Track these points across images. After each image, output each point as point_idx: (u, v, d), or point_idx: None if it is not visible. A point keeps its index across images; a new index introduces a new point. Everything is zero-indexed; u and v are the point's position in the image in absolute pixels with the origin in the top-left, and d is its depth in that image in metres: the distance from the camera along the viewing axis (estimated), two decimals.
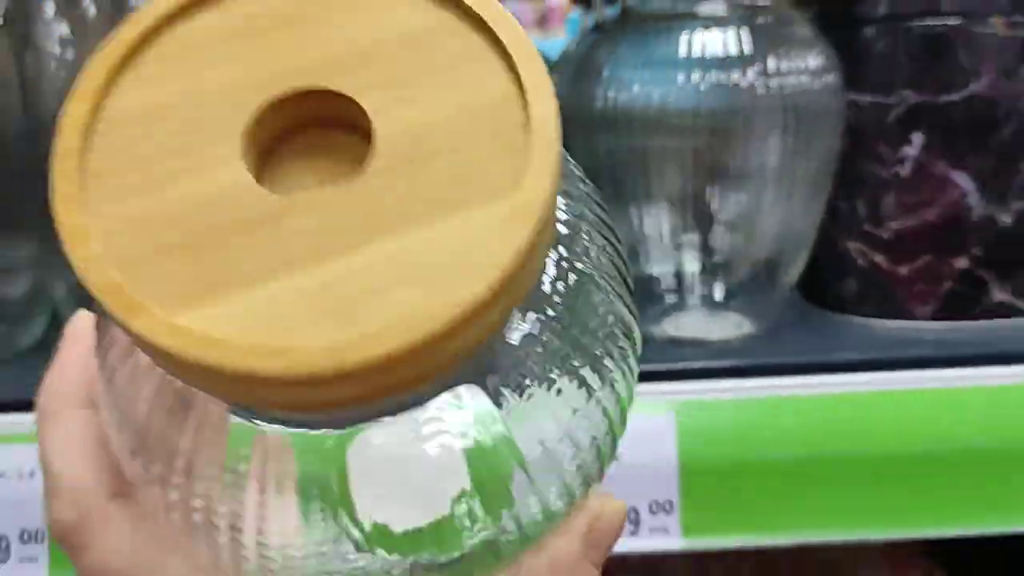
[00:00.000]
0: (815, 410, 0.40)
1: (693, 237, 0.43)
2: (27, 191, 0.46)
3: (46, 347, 0.46)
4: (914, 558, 0.52)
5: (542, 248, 0.17)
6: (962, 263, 0.43)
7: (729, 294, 0.44)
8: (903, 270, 0.44)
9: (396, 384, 0.16)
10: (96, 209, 0.17)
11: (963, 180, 0.42)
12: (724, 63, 0.40)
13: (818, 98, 0.42)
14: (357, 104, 0.18)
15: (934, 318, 0.44)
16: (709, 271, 0.44)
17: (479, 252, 0.16)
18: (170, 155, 0.17)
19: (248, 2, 0.19)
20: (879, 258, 0.44)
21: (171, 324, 0.16)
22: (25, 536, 0.38)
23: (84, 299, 0.46)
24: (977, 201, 0.42)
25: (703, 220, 0.43)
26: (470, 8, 0.18)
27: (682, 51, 0.40)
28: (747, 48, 0.40)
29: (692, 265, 0.44)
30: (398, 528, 0.20)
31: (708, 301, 0.45)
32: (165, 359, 0.16)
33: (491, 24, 0.18)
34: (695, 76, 0.40)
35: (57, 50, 0.45)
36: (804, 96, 0.41)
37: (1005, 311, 0.44)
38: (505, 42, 0.18)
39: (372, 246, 0.16)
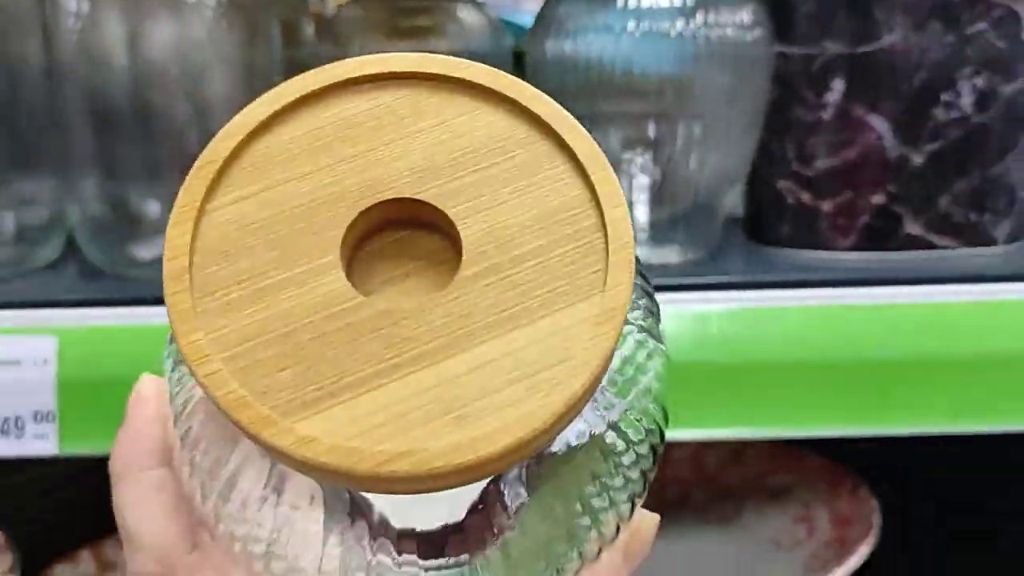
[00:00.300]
0: (739, 322, 0.45)
1: (636, 173, 0.48)
2: (46, 130, 0.52)
3: (62, 262, 0.52)
4: (845, 475, 0.57)
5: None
6: (878, 199, 0.48)
7: (670, 225, 0.49)
8: (826, 206, 0.49)
9: (496, 470, 0.18)
10: (209, 324, 0.18)
11: (879, 123, 0.47)
12: (660, 15, 0.45)
13: (748, 49, 0.46)
14: (439, 210, 0.19)
15: (854, 249, 0.49)
16: (651, 205, 0.49)
17: (573, 353, 0.17)
18: (271, 267, 0.18)
19: (324, 115, 0.20)
20: (805, 195, 0.49)
21: (302, 436, 0.17)
22: (38, 417, 0.44)
23: (97, 225, 0.51)
24: (892, 142, 0.47)
25: (644, 158, 0.48)
26: (539, 117, 0.19)
27: (620, 3, 0.45)
28: (680, 2, 0.45)
29: (636, 199, 0.49)
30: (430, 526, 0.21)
31: (651, 232, 0.49)
32: (293, 464, 0.17)
33: (560, 131, 0.19)
34: (631, 25, 0.45)
35: (73, 4, 0.51)
36: (735, 47, 0.46)
37: (917, 243, 0.48)
38: (574, 148, 0.19)
39: (473, 349, 0.17)
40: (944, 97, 0.46)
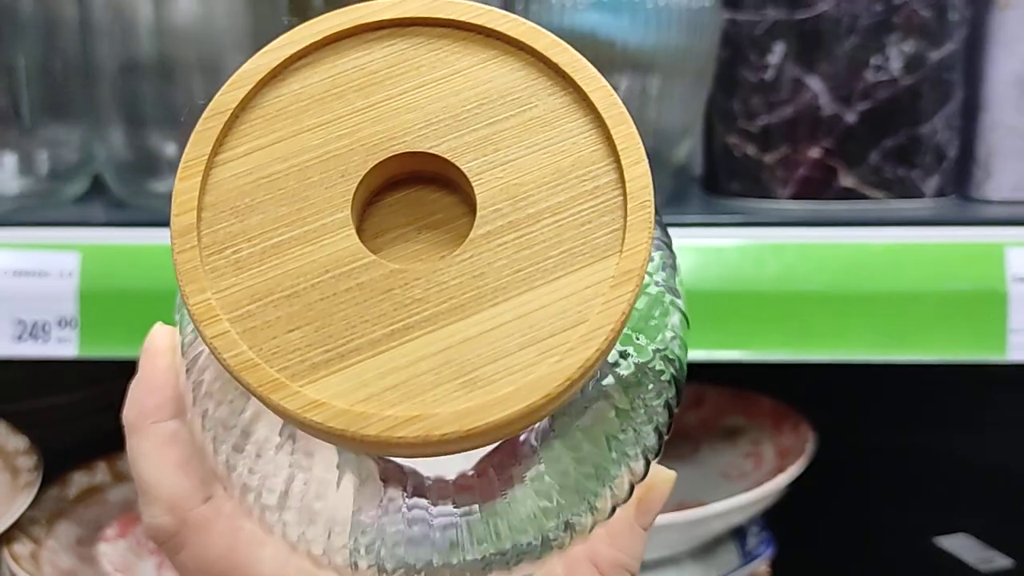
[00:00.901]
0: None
1: None
2: (78, 81, 0.59)
3: (89, 196, 0.59)
4: (787, 414, 0.61)
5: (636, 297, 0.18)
6: (815, 153, 0.53)
7: None
8: (768, 158, 0.54)
9: (507, 434, 0.17)
10: (217, 282, 0.17)
11: (815, 83, 0.52)
12: None
13: (696, 16, 0.52)
14: (454, 165, 0.18)
15: (793, 199, 0.54)
16: None
17: (587, 316, 0.17)
18: (280, 225, 0.18)
19: (336, 63, 0.19)
20: (751, 149, 0.54)
21: (311, 399, 0.16)
22: (62, 323, 0.50)
23: (122, 164, 0.58)
24: (827, 101, 0.52)
25: None
26: (558, 66, 0.19)
27: None
28: None
29: None
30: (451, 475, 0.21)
31: None
32: (302, 427, 0.17)
33: (580, 83, 0.18)
34: None
35: None
36: (688, 14, 0.52)
37: (851, 195, 0.53)
38: (594, 101, 0.18)
39: (485, 311, 0.17)
40: (874, 61, 0.51)
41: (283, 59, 0.19)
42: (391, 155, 0.18)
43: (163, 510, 0.24)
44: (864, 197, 0.53)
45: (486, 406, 0.16)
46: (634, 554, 0.26)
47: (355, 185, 0.18)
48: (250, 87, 0.19)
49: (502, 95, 0.19)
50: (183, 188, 0.18)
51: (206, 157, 0.18)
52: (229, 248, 0.18)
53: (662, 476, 0.26)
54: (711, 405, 0.66)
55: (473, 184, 0.18)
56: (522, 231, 0.18)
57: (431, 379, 0.17)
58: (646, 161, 0.18)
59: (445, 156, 0.18)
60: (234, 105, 0.18)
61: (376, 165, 0.18)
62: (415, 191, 0.19)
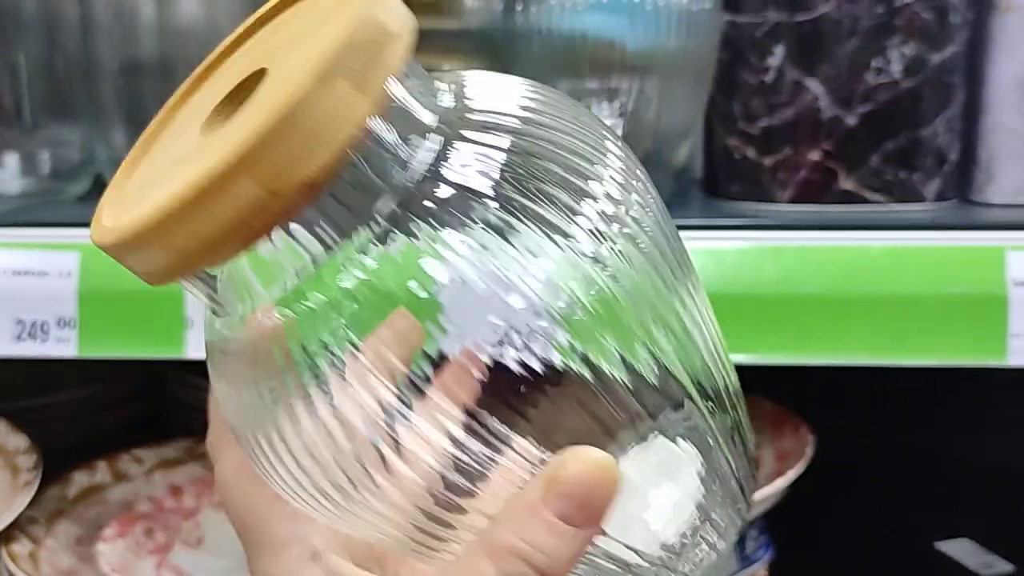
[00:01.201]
0: None
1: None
2: (81, 84, 0.59)
3: (91, 196, 0.59)
4: (787, 417, 0.61)
5: (301, 134, 0.20)
6: (815, 156, 0.53)
7: None
8: (768, 161, 0.54)
9: (202, 248, 0.21)
10: (123, 184, 0.25)
11: (815, 86, 0.52)
12: None
13: (696, 18, 0.52)
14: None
15: (793, 202, 0.54)
16: None
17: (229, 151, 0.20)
18: (172, 140, 0.25)
19: (255, 34, 0.26)
20: (751, 151, 0.54)
21: (98, 224, 0.23)
22: (61, 323, 0.50)
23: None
24: (827, 104, 0.52)
25: (603, 110, 0.53)
26: None
27: None
28: None
29: None
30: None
31: None
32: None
33: None
34: None
35: None
36: (686, 15, 0.52)
37: (852, 198, 0.53)
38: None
39: (218, 162, 0.20)
40: (875, 63, 0.51)
41: (222, 49, 0.26)
42: (240, 79, 0.24)
43: (211, 433, 0.31)
44: (864, 200, 0.53)
45: (142, 216, 0.21)
46: (537, 543, 0.22)
47: (217, 100, 0.24)
48: (201, 71, 0.26)
49: (324, 21, 0.23)
50: (145, 132, 0.26)
51: (162, 118, 0.26)
52: (145, 160, 0.25)
53: (587, 456, 0.22)
54: None
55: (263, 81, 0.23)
56: (249, 105, 0.22)
57: (150, 207, 0.21)
58: (370, 11, 0.21)
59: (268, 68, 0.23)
60: (184, 90, 0.26)
61: (235, 88, 0.24)
62: None
